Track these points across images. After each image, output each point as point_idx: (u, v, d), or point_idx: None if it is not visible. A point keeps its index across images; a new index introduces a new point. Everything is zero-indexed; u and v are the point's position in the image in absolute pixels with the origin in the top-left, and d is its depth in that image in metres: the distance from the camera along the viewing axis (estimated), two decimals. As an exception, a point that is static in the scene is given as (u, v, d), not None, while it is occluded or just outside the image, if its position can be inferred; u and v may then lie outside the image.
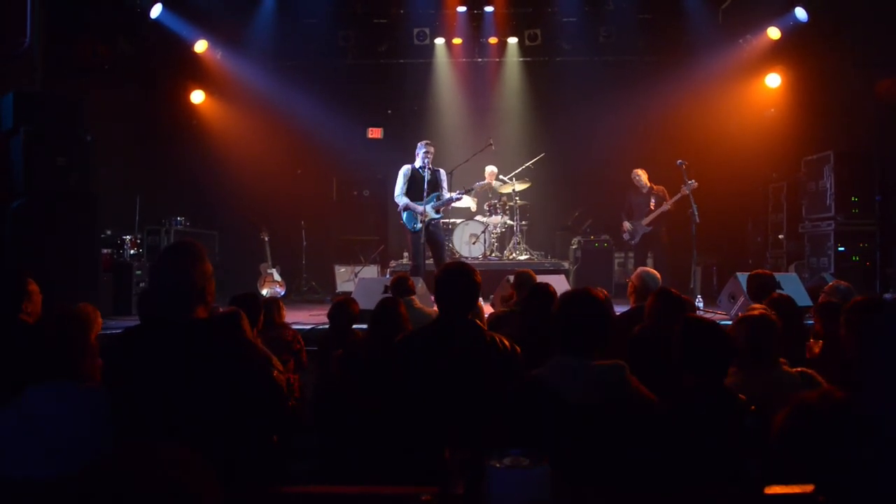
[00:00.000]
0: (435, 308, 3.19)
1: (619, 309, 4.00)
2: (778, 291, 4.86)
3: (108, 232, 7.81)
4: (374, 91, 10.80)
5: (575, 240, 9.69)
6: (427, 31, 10.09)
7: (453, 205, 7.77)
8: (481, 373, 2.61)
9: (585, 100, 10.04)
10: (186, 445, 1.07)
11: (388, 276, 7.99)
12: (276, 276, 9.14)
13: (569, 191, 10.48)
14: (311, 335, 5.26)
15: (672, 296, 3.53)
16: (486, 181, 9.36)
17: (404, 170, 7.25)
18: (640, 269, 4.71)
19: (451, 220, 9.25)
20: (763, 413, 2.17)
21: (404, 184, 7.20)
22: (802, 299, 5.74)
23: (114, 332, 4.82)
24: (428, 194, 7.09)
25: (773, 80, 9.18)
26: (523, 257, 9.23)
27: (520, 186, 9.29)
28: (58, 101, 6.42)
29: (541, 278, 5.04)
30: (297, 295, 9.51)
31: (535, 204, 10.02)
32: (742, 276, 5.78)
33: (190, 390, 2.10)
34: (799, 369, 2.74)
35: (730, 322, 4.02)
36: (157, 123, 9.36)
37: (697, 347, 2.38)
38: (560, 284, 5.87)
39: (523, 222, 9.58)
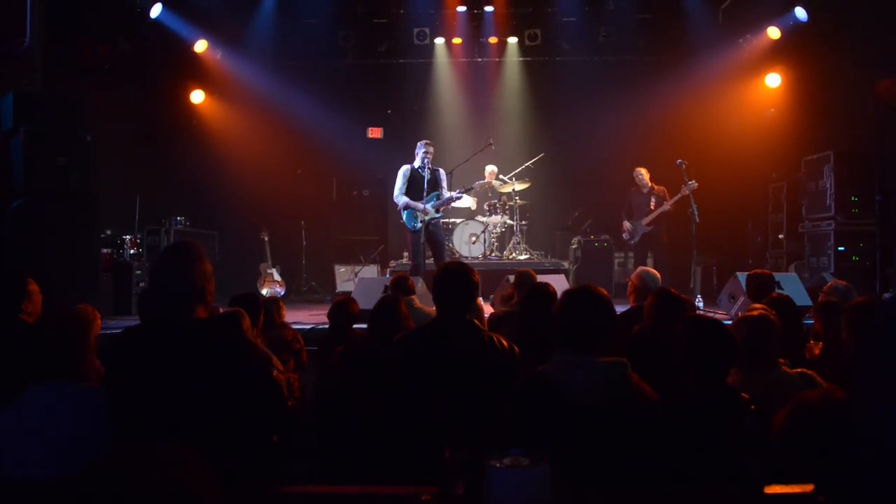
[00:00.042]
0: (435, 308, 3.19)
1: (619, 309, 3.99)
2: (777, 291, 4.86)
3: (108, 232, 7.81)
4: (374, 91, 10.80)
5: (575, 240, 9.69)
6: (427, 30, 10.09)
7: (453, 204, 7.77)
8: (479, 373, 2.61)
9: (585, 100, 10.03)
10: (186, 445, 1.07)
11: (388, 275, 7.99)
12: (276, 276, 9.14)
13: (569, 191, 10.48)
14: (311, 335, 5.27)
15: (672, 296, 3.53)
16: (486, 181, 9.37)
17: (403, 170, 7.25)
18: (640, 268, 4.71)
19: (451, 220, 9.25)
20: (763, 413, 2.18)
21: (403, 184, 7.19)
22: (802, 299, 5.74)
23: (114, 332, 4.82)
24: (427, 194, 7.10)
25: (773, 80, 9.18)
26: (523, 257, 9.23)
27: (520, 186, 9.29)
28: (58, 101, 6.42)
29: (541, 278, 5.04)
30: (297, 295, 9.51)
31: (535, 204, 10.02)
32: (742, 276, 5.78)
33: (190, 390, 2.10)
34: (799, 370, 2.74)
35: (730, 322, 4.02)
36: (157, 123, 9.35)
37: (701, 346, 2.38)
38: (560, 284, 5.86)
39: (523, 222, 9.58)
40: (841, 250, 7.56)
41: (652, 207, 8.18)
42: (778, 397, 2.15)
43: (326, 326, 4.59)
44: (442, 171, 7.41)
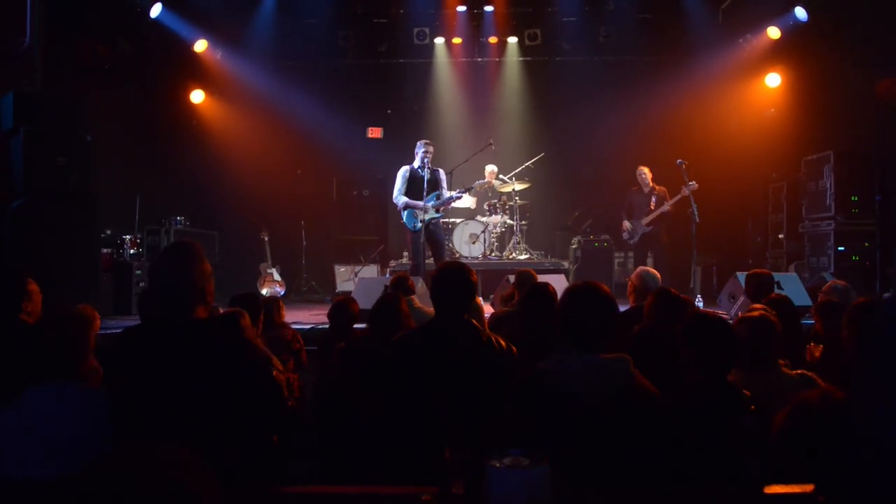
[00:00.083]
0: (435, 308, 3.18)
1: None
2: (777, 291, 4.86)
3: (108, 232, 7.81)
4: (374, 91, 10.80)
5: (575, 239, 9.69)
6: (427, 30, 10.08)
7: (453, 204, 7.77)
8: (477, 372, 2.61)
9: (585, 100, 10.03)
10: (186, 445, 1.07)
11: (388, 275, 7.99)
12: (276, 276, 9.14)
13: (569, 191, 10.49)
14: (311, 335, 5.27)
15: (671, 296, 3.53)
16: (486, 180, 9.37)
17: (402, 171, 7.26)
18: (640, 268, 4.71)
19: (451, 220, 9.25)
20: (763, 413, 2.18)
21: (403, 185, 7.20)
22: (802, 299, 5.75)
23: (114, 332, 4.82)
24: (427, 194, 7.10)
25: (773, 79, 9.18)
26: (523, 257, 9.23)
27: (520, 186, 9.29)
28: (58, 101, 6.42)
29: (541, 278, 5.03)
30: (297, 295, 9.51)
31: (535, 204, 10.02)
32: (742, 276, 5.78)
33: (190, 390, 2.10)
34: (799, 371, 2.74)
35: (730, 322, 4.02)
36: (157, 123, 9.35)
37: (704, 343, 2.38)
38: (560, 284, 5.86)
39: (523, 222, 9.58)
40: (841, 250, 7.56)
41: (652, 208, 8.18)
42: (778, 398, 2.15)
43: (326, 326, 4.59)
44: (441, 172, 7.41)
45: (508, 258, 9.20)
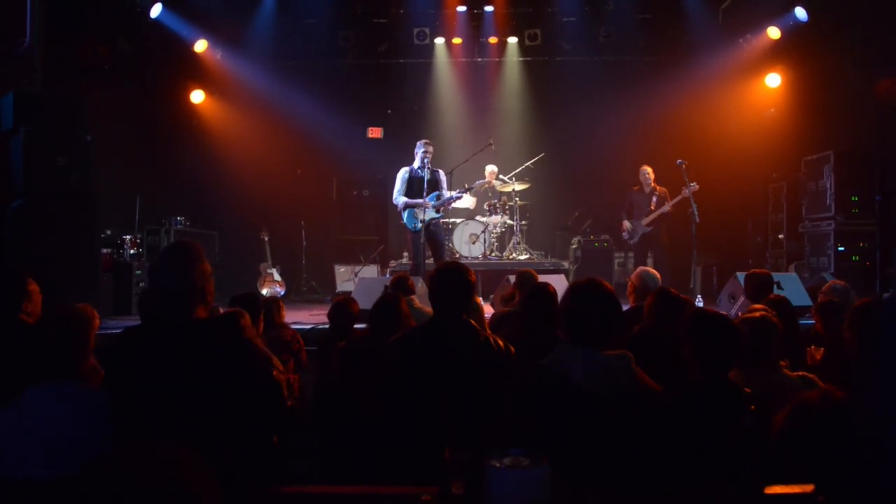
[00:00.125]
0: (434, 308, 3.18)
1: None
2: (776, 292, 4.86)
3: (108, 232, 7.81)
4: (374, 91, 10.80)
5: (575, 240, 9.69)
6: (427, 30, 10.08)
7: (453, 204, 7.77)
8: (475, 373, 2.62)
9: (585, 100, 10.03)
10: (186, 445, 1.07)
11: (388, 275, 7.99)
12: (276, 276, 9.14)
13: (569, 191, 10.48)
14: (311, 335, 5.26)
15: (671, 296, 3.53)
16: (486, 180, 9.37)
17: (402, 173, 7.26)
18: (640, 268, 4.71)
19: (451, 220, 9.25)
20: (763, 413, 2.17)
21: (402, 186, 7.20)
22: (802, 299, 5.75)
23: (114, 332, 4.82)
24: (427, 194, 7.09)
25: (773, 80, 9.18)
26: (523, 257, 9.23)
27: (520, 186, 9.29)
28: (58, 101, 6.42)
29: (541, 278, 5.03)
30: (297, 295, 9.51)
31: (535, 204, 10.02)
32: (742, 276, 5.78)
33: (190, 390, 2.10)
34: (800, 373, 2.74)
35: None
36: (157, 123, 9.35)
37: (706, 340, 2.38)
38: (560, 284, 5.86)
39: (523, 222, 9.58)
40: (841, 250, 7.56)
41: (653, 208, 8.18)
42: (778, 399, 2.15)
43: (326, 326, 4.59)
44: (441, 172, 7.41)
45: (508, 258, 9.20)
